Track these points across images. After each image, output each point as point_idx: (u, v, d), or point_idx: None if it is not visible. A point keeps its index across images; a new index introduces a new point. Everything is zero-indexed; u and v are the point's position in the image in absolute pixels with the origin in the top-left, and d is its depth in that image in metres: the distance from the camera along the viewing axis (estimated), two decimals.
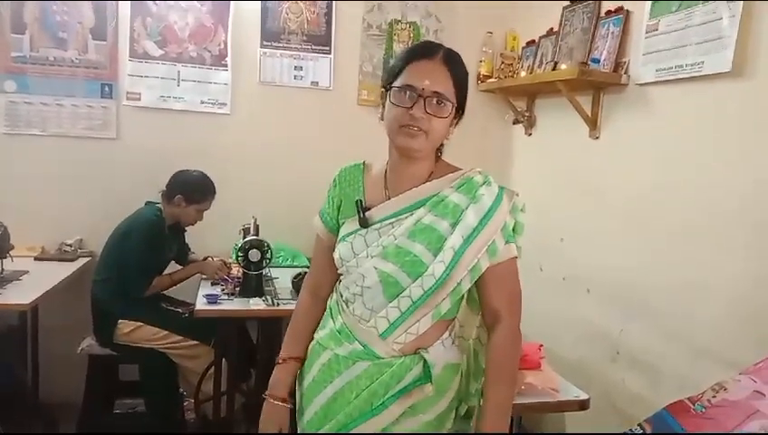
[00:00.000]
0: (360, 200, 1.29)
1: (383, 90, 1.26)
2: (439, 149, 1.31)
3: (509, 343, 1.23)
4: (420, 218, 1.23)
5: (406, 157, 1.25)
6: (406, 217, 1.24)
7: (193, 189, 2.66)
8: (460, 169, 1.30)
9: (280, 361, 1.39)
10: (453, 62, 1.22)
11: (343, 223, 1.31)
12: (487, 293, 1.24)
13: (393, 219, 1.25)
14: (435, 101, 1.18)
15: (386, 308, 1.22)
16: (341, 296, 1.31)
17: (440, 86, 1.18)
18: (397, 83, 1.20)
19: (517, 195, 1.28)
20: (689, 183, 2.04)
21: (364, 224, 1.27)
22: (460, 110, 1.25)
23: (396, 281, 1.21)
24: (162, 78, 3.00)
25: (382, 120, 1.25)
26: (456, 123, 1.26)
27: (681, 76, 2.06)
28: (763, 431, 0.98)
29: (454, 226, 1.21)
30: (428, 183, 1.26)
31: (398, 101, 1.19)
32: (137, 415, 2.80)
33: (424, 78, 1.18)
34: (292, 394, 1.39)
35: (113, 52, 2.95)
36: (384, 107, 1.24)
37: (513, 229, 1.27)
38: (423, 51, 1.23)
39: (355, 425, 1.23)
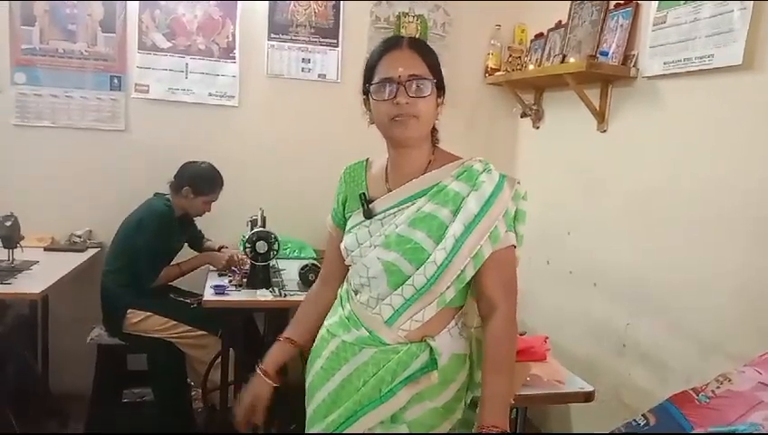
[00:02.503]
0: (364, 193, 1.32)
1: (364, 96, 1.29)
2: (435, 137, 1.33)
3: (504, 331, 1.23)
4: (421, 207, 1.25)
5: (403, 147, 1.28)
6: (407, 207, 1.27)
7: (200, 181, 2.67)
8: (460, 158, 1.32)
9: (281, 339, 1.44)
10: (419, 46, 1.27)
11: (349, 217, 1.35)
12: (483, 280, 1.24)
13: (395, 209, 1.28)
14: (414, 84, 1.21)
15: (390, 296, 1.24)
16: (351, 286, 1.35)
17: (414, 69, 1.22)
18: (374, 81, 1.24)
19: (518, 182, 1.29)
20: (697, 177, 2.03)
21: (368, 215, 1.30)
22: (441, 89, 1.28)
23: (398, 269, 1.23)
24: (170, 70, 3.01)
25: (372, 123, 1.29)
26: (442, 102, 1.29)
27: (690, 69, 2.05)
28: (765, 422, 0.99)
29: (455, 213, 1.23)
30: (429, 173, 1.29)
31: (380, 96, 1.23)
32: (145, 404, 2.84)
33: (397, 66, 1.21)
34: (282, 373, 1.43)
35: (122, 44, 2.96)
36: (370, 111, 1.29)
37: (515, 217, 1.28)
38: (389, 44, 1.27)
39: (364, 412, 1.25)
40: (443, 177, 1.27)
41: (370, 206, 1.30)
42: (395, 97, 1.20)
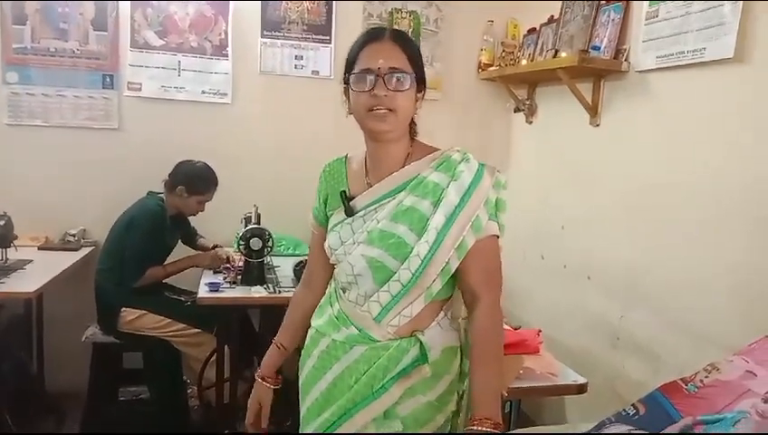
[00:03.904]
0: (344, 191, 1.32)
1: (345, 86, 1.29)
2: (414, 130, 1.32)
3: (489, 322, 1.22)
4: (402, 201, 1.24)
5: (380, 141, 1.27)
6: (388, 202, 1.26)
7: (195, 180, 2.67)
8: (438, 150, 1.31)
9: (274, 342, 1.47)
10: (401, 39, 1.26)
11: (331, 215, 1.35)
12: (465, 270, 1.24)
13: (376, 205, 1.27)
14: (394, 78, 1.20)
15: (377, 292, 1.24)
16: (338, 284, 1.34)
17: (395, 62, 1.21)
18: (354, 71, 1.23)
19: (498, 171, 1.28)
20: (690, 170, 2.04)
21: (349, 213, 1.29)
22: (421, 83, 1.27)
23: (383, 265, 1.23)
24: (163, 68, 3.01)
25: (351, 113, 1.28)
26: (422, 97, 1.28)
27: (682, 63, 2.05)
28: (753, 410, 1.00)
29: (435, 205, 1.22)
30: (408, 166, 1.28)
31: (359, 87, 1.21)
32: (141, 402, 2.84)
33: (378, 58, 1.21)
34: (280, 373, 1.47)
35: (114, 42, 2.96)
36: (349, 101, 1.28)
37: (496, 206, 1.27)
38: (371, 35, 1.26)
39: (357, 410, 1.25)
40: (422, 169, 1.27)
41: (351, 203, 1.30)
42: (373, 89, 1.19)
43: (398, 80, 1.20)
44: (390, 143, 1.28)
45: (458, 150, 1.29)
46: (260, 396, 1.44)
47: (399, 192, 1.26)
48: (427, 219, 1.21)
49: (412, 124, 1.31)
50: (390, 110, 1.20)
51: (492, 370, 1.20)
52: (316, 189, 1.41)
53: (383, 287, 1.23)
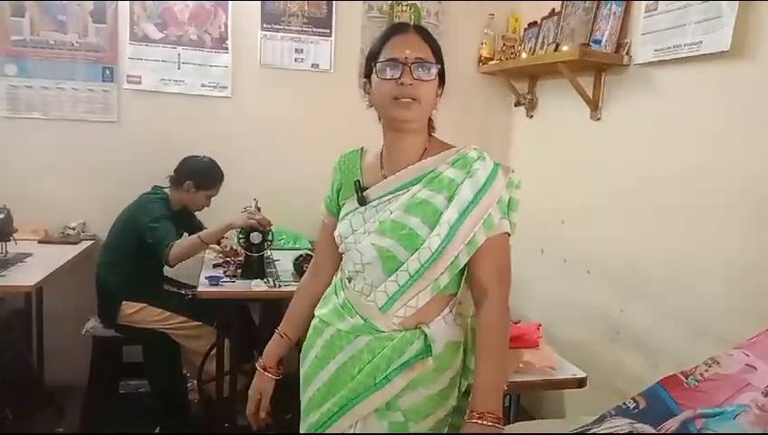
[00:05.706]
0: (358, 180, 1.33)
1: (365, 79, 1.31)
2: (431, 126, 1.34)
3: (496, 317, 1.24)
4: (416, 193, 1.26)
5: (400, 131, 1.28)
6: (402, 194, 1.27)
7: (203, 176, 2.67)
8: (454, 147, 1.33)
9: (277, 332, 1.48)
10: (425, 34, 1.29)
11: (344, 204, 1.36)
12: (476, 267, 1.25)
13: (390, 196, 1.28)
14: (419, 68, 1.22)
15: (385, 282, 1.24)
16: (345, 274, 1.35)
17: (420, 53, 1.24)
18: (380, 60, 1.25)
19: (513, 171, 1.30)
20: (690, 163, 2.03)
21: (362, 202, 1.31)
22: (441, 78, 1.29)
23: (393, 255, 1.23)
24: (163, 61, 3.00)
25: (371, 105, 1.31)
26: (441, 94, 1.31)
27: (680, 56, 2.05)
28: (753, 403, 1.00)
29: (449, 200, 1.23)
30: (424, 160, 1.29)
31: (385, 75, 1.23)
32: (141, 396, 2.84)
33: (404, 48, 1.23)
34: (282, 365, 1.48)
35: (113, 35, 2.94)
36: (369, 93, 1.30)
37: (509, 205, 1.28)
38: (396, 28, 1.30)
39: (359, 400, 1.26)
40: (438, 164, 1.28)
41: (365, 193, 1.31)
42: (399, 77, 1.21)
43: (423, 69, 1.23)
44: (409, 135, 1.29)
45: (475, 149, 1.31)
46: (261, 386, 1.45)
47: (414, 185, 1.27)
48: (441, 213, 1.23)
49: (429, 120, 1.33)
50: (414, 99, 1.22)
51: (496, 365, 1.21)
52: (330, 180, 1.42)
53: (391, 277, 1.24)
